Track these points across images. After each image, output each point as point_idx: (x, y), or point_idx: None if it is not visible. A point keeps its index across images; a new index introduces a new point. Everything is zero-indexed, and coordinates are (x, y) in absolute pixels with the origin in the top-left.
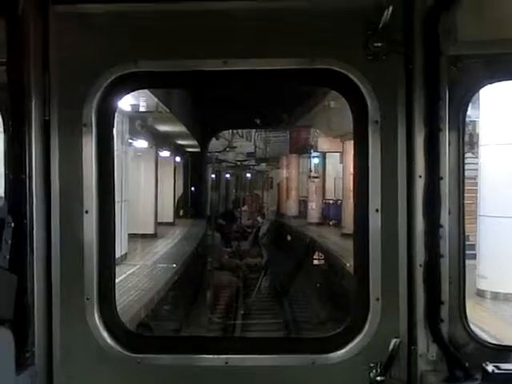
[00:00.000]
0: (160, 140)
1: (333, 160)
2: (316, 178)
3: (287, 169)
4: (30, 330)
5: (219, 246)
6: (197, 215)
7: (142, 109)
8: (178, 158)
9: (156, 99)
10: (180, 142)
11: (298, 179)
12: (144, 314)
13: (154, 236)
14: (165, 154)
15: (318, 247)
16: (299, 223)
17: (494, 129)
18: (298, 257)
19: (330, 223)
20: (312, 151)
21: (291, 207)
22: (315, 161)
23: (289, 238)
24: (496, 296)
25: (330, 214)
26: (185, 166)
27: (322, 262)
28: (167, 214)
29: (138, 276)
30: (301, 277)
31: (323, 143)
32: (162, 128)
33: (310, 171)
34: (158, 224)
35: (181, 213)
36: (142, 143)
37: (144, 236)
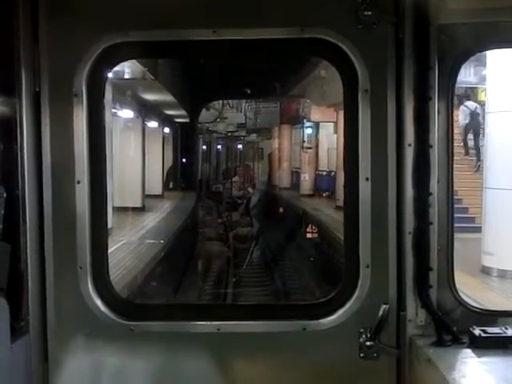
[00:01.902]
0: (147, 110)
1: (326, 130)
2: (309, 148)
3: (278, 139)
4: (24, 299)
5: (209, 218)
6: (187, 187)
7: (126, 76)
8: (167, 129)
9: (141, 67)
10: (169, 111)
11: (291, 150)
12: (127, 293)
13: (141, 209)
14: (153, 124)
15: (311, 220)
16: (291, 195)
17: (501, 95)
18: (289, 229)
19: (324, 195)
20: (305, 121)
21: (283, 178)
22: (308, 131)
23: (280, 209)
24: (504, 274)
25: (324, 185)
26: (174, 137)
27: (314, 234)
28: (156, 186)
29: (123, 252)
30: (293, 250)
31: (316, 113)
32: (149, 97)
33: (303, 142)
34: (145, 197)
35: (170, 185)
36: (127, 113)
37: (131, 209)
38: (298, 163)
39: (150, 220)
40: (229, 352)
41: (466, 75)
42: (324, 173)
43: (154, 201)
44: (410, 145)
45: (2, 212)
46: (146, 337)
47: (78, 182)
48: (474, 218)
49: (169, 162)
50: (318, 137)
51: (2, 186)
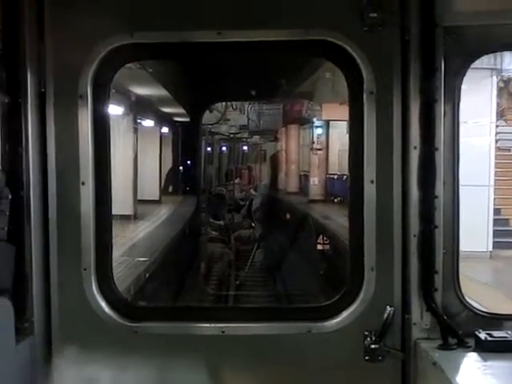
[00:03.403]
0: (139, 106)
1: (338, 130)
2: (319, 150)
3: (282, 141)
4: (29, 300)
5: (211, 222)
6: (188, 191)
7: None
8: (165, 129)
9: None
10: (166, 109)
11: (298, 152)
12: None
13: (132, 217)
14: (148, 123)
15: (321, 228)
16: (299, 200)
17: None
18: (292, 235)
19: (335, 200)
20: (315, 120)
21: (289, 182)
22: (318, 131)
23: (283, 216)
24: None
25: (335, 190)
26: (174, 138)
27: (325, 245)
28: (152, 190)
29: None
30: (300, 260)
31: (326, 111)
32: (141, 91)
33: (313, 143)
34: (139, 202)
35: (170, 189)
36: (114, 109)
37: (119, 218)
38: (306, 166)
39: (140, 230)
40: (233, 354)
41: None
42: (335, 176)
43: (150, 207)
44: (415, 147)
45: (7, 213)
46: (150, 339)
47: (83, 183)
48: None
49: (168, 165)
50: (328, 137)
51: (7, 188)
